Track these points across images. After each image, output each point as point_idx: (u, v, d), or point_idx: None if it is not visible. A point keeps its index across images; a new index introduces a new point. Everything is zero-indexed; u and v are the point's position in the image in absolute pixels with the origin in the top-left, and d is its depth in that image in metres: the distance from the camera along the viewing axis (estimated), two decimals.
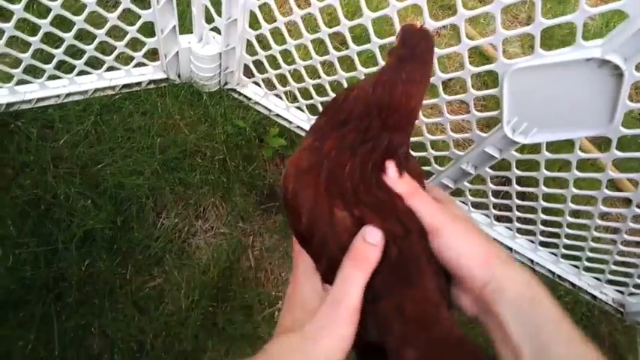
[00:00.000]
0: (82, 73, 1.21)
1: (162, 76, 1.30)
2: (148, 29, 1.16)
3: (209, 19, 1.17)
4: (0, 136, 1.14)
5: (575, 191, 1.05)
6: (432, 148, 1.16)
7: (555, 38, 1.80)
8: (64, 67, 1.20)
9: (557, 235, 1.26)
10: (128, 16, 1.26)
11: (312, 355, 0.40)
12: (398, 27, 0.88)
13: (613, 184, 1.53)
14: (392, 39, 0.93)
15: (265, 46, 1.18)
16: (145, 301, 1.05)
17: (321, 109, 1.26)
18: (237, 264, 1.14)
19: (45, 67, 1.14)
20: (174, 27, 1.16)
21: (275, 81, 1.27)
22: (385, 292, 0.42)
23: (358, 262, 0.42)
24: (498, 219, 1.34)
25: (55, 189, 1.10)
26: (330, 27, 1.00)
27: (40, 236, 1.05)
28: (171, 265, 1.10)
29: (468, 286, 0.44)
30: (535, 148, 1.20)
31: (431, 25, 0.86)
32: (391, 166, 0.45)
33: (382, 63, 0.99)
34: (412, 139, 1.16)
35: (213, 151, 1.25)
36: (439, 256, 0.44)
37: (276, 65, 1.21)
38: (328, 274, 0.44)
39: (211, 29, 1.21)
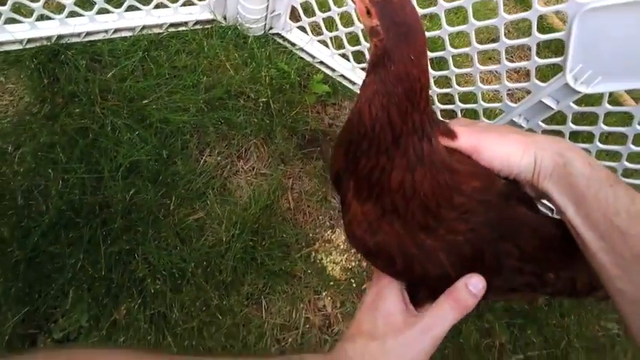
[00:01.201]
0: (130, 8, 1.21)
1: (209, 16, 1.29)
2: None
3: None
4: (51, 66, 1.16)
5: (634, 148, 1.00)
6: (483, 100, 1.13)
7: None
8: (114, 2, 1.20)
9: None
10: None
11: None
12: None
13: None
14: None
15: None
16: (186, 232, 1.07)
17: (367, 55, 1.23)
18: (276, 204, 1.15)
19: None
20: None
21: (322, 25, 1.25)
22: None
23: (456, 305, 0.46)
24: None
25: (103, 120, 1.12)
26: None
27: (87, 164, 1.08)
28: (213, 201, 1.11)
29: (525, 178, 0.48)
30: (589, 101, 1.16)
31: None
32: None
33: (442, 2, 0.95)
34: (463, 89, 1.13)
35: (257, 93, 1.24)
36: (492, 167, 0.49)
37: (326, 7, 1.19)
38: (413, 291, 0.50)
39: None
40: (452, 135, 0.49)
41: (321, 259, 1.13)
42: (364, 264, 1.14)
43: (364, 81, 0.44)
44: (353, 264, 1.14)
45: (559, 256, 0.50)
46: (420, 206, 0.45)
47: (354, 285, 1.12)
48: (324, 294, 1.10)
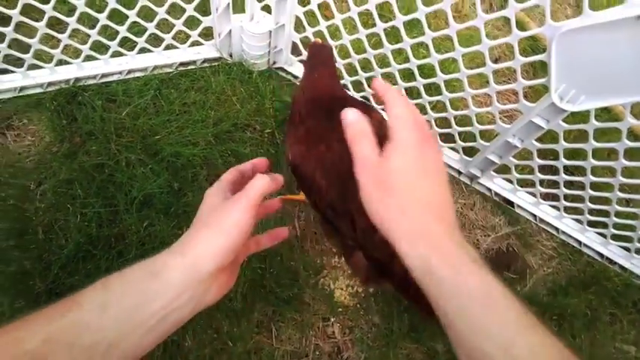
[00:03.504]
0: (142, 50, 1.30)
1: (216, 54, 1.37)
2: (204, 8, 1.23)
3: None
4: (69, 107, 1.24)
5: (626, 162, 1.03)
6: (478, 122, 1.17)
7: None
8: (127, 45, 1.28)
9: (606, 214, 1.23)
10: None
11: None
12: None
13: None
14: (437, 6, 0.95)
15: (311, 22, 1.23)
16: None
17: (365, 85, 1.29)
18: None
19: (110, 43, 1.23)
20: (228, 5, 1.22)
21: None
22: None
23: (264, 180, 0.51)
24: (544, 198, 1.33)
25: (118, 156, 1.18)
26: None
27: (104, 198, 1.13)
28: None
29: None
30: (583, 118, 1.19)
31: None
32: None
33: (428, 32, 1.01)
34: (457, 112, 1.17)
35: (263, 125, 1.30)
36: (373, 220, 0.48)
37: (324, 41, 1.25)
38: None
39: (262, 8, 1.26)
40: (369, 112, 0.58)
41: (329, 285, 1.16)
42: (371, 289, 1.17)
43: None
44: (360, 289, 1.17)
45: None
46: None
47: (362, 311, 1.15)
48: (332, 320, 1.13)
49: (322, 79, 0.62)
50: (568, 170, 1.19)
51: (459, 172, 1.36)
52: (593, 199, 1.21)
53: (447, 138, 1.30)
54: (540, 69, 1.59)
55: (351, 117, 0.49)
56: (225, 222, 0.47)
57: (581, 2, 0.79)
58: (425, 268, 0.42)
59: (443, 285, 0.41)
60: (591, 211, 1.26)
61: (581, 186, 1.19)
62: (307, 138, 0.58)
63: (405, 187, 0.45)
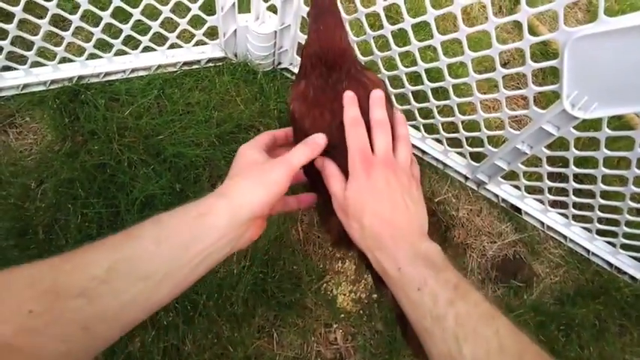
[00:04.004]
0: (146, 49, 1.28)
1: (220, 54, 1.35)
2: (209, 8, 1.21)
3: None
4: (72, 106, 1.22)
5: (638, 172, 1.00)
6: (486, 128, 1.14)
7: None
8: (131, 44, 1.27)
9: (616, 223, 1.20)
10: None
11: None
12: None
13: None
14: (448, 9, 0.92)
15: None
16: None
17: None
18: (286, 235, 1.17)
19: (113, 41, 1.22)
20: (234, 4, 1.20)
21: None
22: None
23: (307, 146, 0.56)
24: (553, 205, 1.30)
25: (120, 156, 1.17)
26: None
27: (105, 198, 1.12)
28: None
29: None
30: (594, 125, 1.16)
31: None
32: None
33: (437, 35, 0.99)
34: (465, 117, 1.15)
35: (267, 126, 1.28)
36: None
37: None
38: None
39: (268, 8, 1.24)
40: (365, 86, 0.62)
41: (332, 290, 1.14)
42: (374, 295, 1.15)
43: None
44: (363, 295, 1.15)
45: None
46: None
47: (365, 318, 1.13)
48: (335, 326, 1.11)
49: (326, 30, 0.62)
50: (577, 177, 1.17)
51: (466, 178, 1.34)
52: (602, 208, 1.18)
53: (454, 143, 1.27)
54: (550, 73, 1.57)
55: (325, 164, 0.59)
56: (268, 178, 0.52)
57: (591, 6, 0.77)
58: (381, 271, 0.52)
59: (390, 280, 0.50)
60: (600, 220, 1.23)
61: (590, 194, 1.17)
62: (306, 97, 0.61)
63: (359, 209, 0.54)
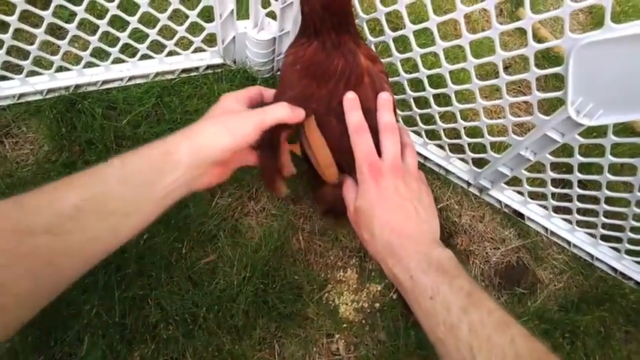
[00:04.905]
0: (144, 57, 1.27)
1: (219, 61, 1.34)
2: (207, 15, 1.19)
3: (265, 5, 1.19)
4: (69, 115, 1.21)
5: None
6: (489, 134, 1.13)
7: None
8: (128, 52, 1.26)
9: (620, 229, 1.19)
10: (189, 3, 1.32)
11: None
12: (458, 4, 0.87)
13: None
14: (450, 16, 0.91)
15: None
16: (198, 275, 1.08)
17: None
18: (287, 245, 1.15)
19: (110, 50, 1.20)
20: (232, 11, 1.18)
21: None
22: None
23: (290, 107, 0.58)
24: (556, 210, 1.29)
25: None
26: (387, 6, 1.00)
27: None
28: (225, 243, 1.12)
29: None
30: (599, 132, 1.15)
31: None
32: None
33: (440, 42, 0.97)
34: (467, 123, 1.14)
35: None
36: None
37: None
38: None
39: (267, 14, 1.23)
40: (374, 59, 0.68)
41: (333, 300, 1.13)
42: (377, 304, 1.13)
43: None
44: (365, 305, 1.13)
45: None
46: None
47: (367, 328, 1.11)
48: (337, 337, 1.09)
49: None
50: (581, 183, 1.15)
51: (469, 184, 1.33)
52: (607, 214, 1.17)
53: (456, 148, 1.26)
54: (553, 77, 1.55)
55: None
56: (236, 127, 0.53)
57: (594, 8, 0.75)
58: (392, 278, 0.52)
59: (402, 289, 0.50)
60: (605, 225, 1.22)
61: (594, 199, 1.15)
62: (303, 64, 0.62)
63: (369, 219, 0.54)
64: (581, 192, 1.15)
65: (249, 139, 0.54)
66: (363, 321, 1.12)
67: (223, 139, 0.52)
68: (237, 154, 0.56)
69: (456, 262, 0.50)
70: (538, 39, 1.68)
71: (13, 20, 1.03)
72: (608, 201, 1.13)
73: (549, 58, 1.61)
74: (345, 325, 1.11)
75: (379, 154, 0.58)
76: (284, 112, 0.56)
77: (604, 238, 1.26)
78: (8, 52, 1.11)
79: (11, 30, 1.05)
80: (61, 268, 0.43)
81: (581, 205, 1.20)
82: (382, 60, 1.13)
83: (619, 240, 1.23)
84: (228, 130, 0.53)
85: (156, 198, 0.49)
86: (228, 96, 0.60)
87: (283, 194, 0.70)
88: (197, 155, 0.51)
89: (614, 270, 1.30)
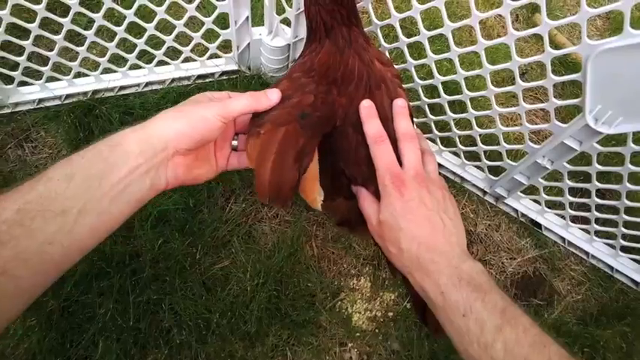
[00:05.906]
0: (160, 63, 1.28)
1: (234, 67, 1.35)
2: (223, 21, 1.20)
3: (280, 11, 1.20)
4: (87, 120, 1.22)
5: None
6: (505, 141, 1.11)
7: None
8: (145, 58, 1.27)
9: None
10: (204, 10, 1.33)
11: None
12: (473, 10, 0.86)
13: None
14: (465, 22, 0.90)
15: None
16: (212, 281, 1.08)
17: None
18: (300, 251, 1.15)
19: (127, 56, 1.22)
20: (247, 18, 1.19)
21: None
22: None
23: (252, 97, 0.57)
24: (574, 220, 1.26)
25: None
26: (401, 12, 0.99)
27: None
28: (238, 249, 1.12)
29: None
30: (618, 141, 1.12)
31: (509, 4, 0.82)
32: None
33: (455, 48, 0.96)
34: (483, 130, 1.12)
35: None
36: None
37: None
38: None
39: (281, 21, 1.23)
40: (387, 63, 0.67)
41: (347, 308, 1.12)
42: (390, 314, 1.12)
43: None
44: (379, 314, 1.12)
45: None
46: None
47: (381, 337, 1.10)
48: (350, 345, 1.08)
49: None
50: (600, 192, 1.13)
51: (484, 192, 1.31)
52: (627, 224, 1.14)
53: (472, 156, 1.25)
54: (570, 83, 1.53)
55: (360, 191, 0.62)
56: (195, 113, 0.51)
57: (612, 14, 0.74)
58: (422, 294, 0.51)
59: (433, 305, 0.49)
60: (625, 236, 1.19)
61: (613, 209, 1.13)
62: (319, 69, 0.61)
63: (395, 233, 0.52)
64: (600, 201, 1.13)
65: (212, 125, 0.51)
66: (377, 330, 1.11)
67: (178, 126, 0.50)
68: (207, 147, 0.56)
69: (487, 275, 0.49)
70: (555, 45, 1.66)
71: (34, 27, 1.05)
72: (628, 211, 1.10)
73: (567, 64, 1.59)
74: (358, 334, 1.10)
75: (399, 163, 0.57)
76: (250, 102, 0.55)
77: (624, 249, 1.23)
78: (29, 59, 1.13)
79: (32, 36, 1.07)
80: (15, 277, 0.39)
81: (599, 215, 1.17)
82: (396, 66, 1.13)
83: (639, 251, 1.20)
84: (185, 117, 0.51)
85: (110, 194, 0.45)
86: (201, 93, 0.58)
87: (288, 206, 0.69)
88: (147, 142, 0.48)
89: (636, 283, 1.27)
